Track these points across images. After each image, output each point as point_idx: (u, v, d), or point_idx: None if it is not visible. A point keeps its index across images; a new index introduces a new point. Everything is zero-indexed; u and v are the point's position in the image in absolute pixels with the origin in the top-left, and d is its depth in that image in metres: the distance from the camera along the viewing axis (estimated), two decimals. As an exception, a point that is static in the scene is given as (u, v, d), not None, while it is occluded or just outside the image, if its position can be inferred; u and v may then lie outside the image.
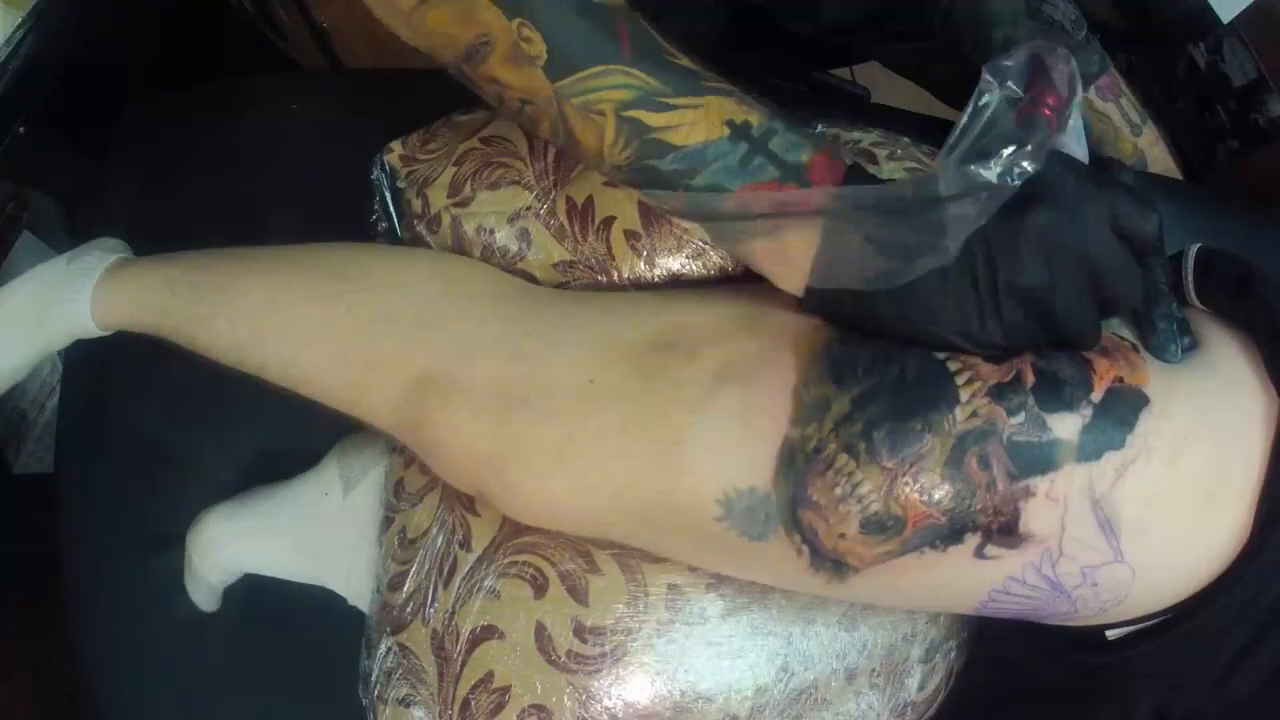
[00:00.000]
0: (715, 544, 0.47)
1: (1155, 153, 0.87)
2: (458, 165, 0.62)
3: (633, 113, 0.44)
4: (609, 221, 0.58)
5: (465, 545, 0.57)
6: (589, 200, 0.58)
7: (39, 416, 1.00)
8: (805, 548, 0.45)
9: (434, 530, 0.59)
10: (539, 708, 0.53)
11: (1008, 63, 0.42)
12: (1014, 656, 0.56)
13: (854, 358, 0.45)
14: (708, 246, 0.58)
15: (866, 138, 0.65)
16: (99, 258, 0.69)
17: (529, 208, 0.59)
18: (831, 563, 0.45)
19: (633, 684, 0.53)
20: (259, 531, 0.68)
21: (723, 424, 0.46)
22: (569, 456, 0.48)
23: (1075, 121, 0.45)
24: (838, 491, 0.43)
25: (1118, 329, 0.47)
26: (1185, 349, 0.45)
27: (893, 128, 0.67)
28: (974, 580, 0.44)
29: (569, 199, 0.59)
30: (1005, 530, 0.42)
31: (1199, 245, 0.50)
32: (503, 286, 0.58)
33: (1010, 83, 0.42)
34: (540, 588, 0.54)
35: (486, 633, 0.54)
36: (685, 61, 0.46)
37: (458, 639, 0.55)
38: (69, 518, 0.78)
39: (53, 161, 0.91)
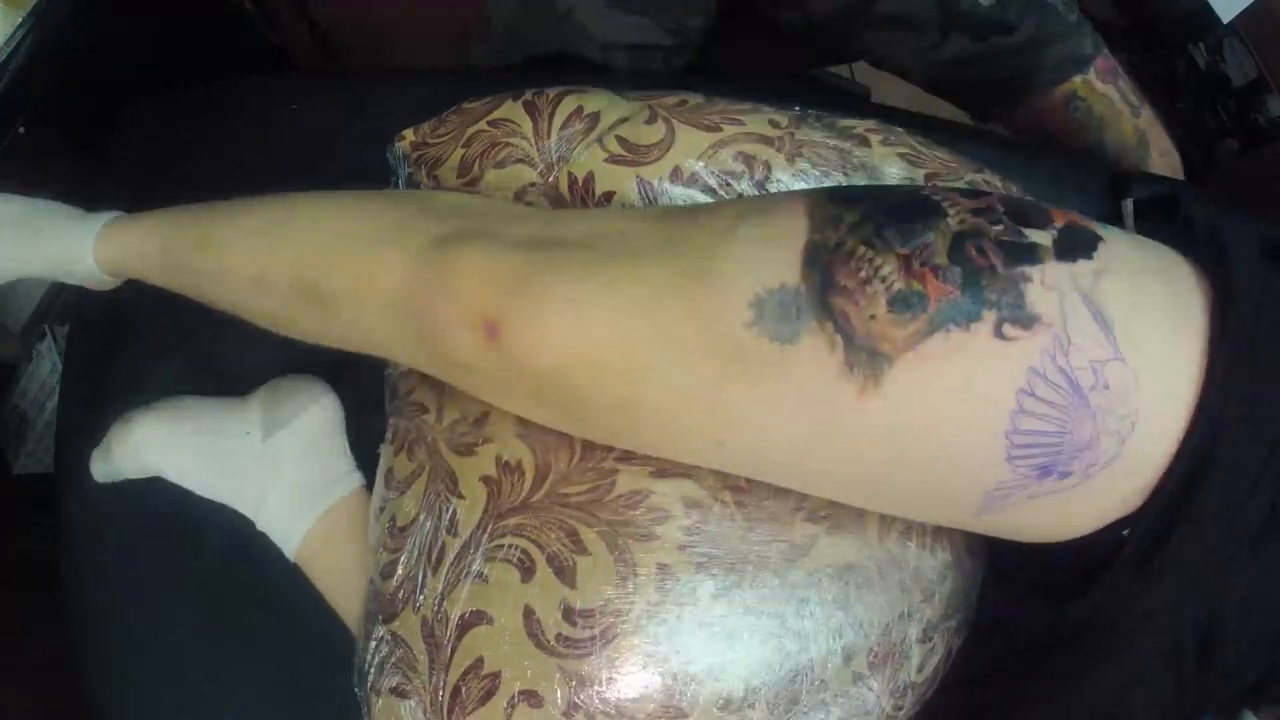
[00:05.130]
0: (744, 359, 0.47)
1: (1155, 132, 0.87)
2: (466, 147, 0.64)
3: None
4: (608, 195, 0.60)
5: (452, 530, 0.57)
6: (590, 175, 0.61)
7: (39, 416, 1.00)
8: (838, 338, 0.46)
9: (422, 517, 0.59)
10: (530, 694, 0.53)
11: None
12: (1012, 613, 0.58)
13: (853, 191, 0.51)
14: None
15: (861, 124, 0.66)
16: (100, 216, 0.72)
17: (533, 184, 0.61)
18: (866, 354, 0.46)
19: (624, 667, 0.53)
20: (181, 447, 0.71)
21: (747, 243, 0.49)
22: (601, 271, 0.50)
23: None
24: (863, 274, 0.46)
25: None
26: None
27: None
28: (1000, 375, 0.46)
29: (570, 175, 0.61)
30: (1015, 307, 0.45)
31: (1131, 199, 0.59)
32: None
33: None
34: (528, 570, 0.54)
35: (475, 618, 0.54)
36: None
37: (447, 625, 0.55)
38: (69, 518, 0.78)
39: (53, 161, 0.91)
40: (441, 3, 0.93)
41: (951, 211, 0.48)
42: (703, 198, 0.59)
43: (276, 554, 0.72)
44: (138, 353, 0.76)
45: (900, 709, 0.58)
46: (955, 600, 0.60)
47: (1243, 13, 0.80)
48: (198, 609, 0.73)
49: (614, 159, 0.60)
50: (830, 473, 0.51)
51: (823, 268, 0.47)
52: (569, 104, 0.62)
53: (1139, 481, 0.47)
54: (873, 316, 0.46)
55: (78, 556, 0.77)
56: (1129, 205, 0.68)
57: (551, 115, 0.62)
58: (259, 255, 0.61)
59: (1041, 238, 0.47)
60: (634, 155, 0.59)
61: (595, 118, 0.61)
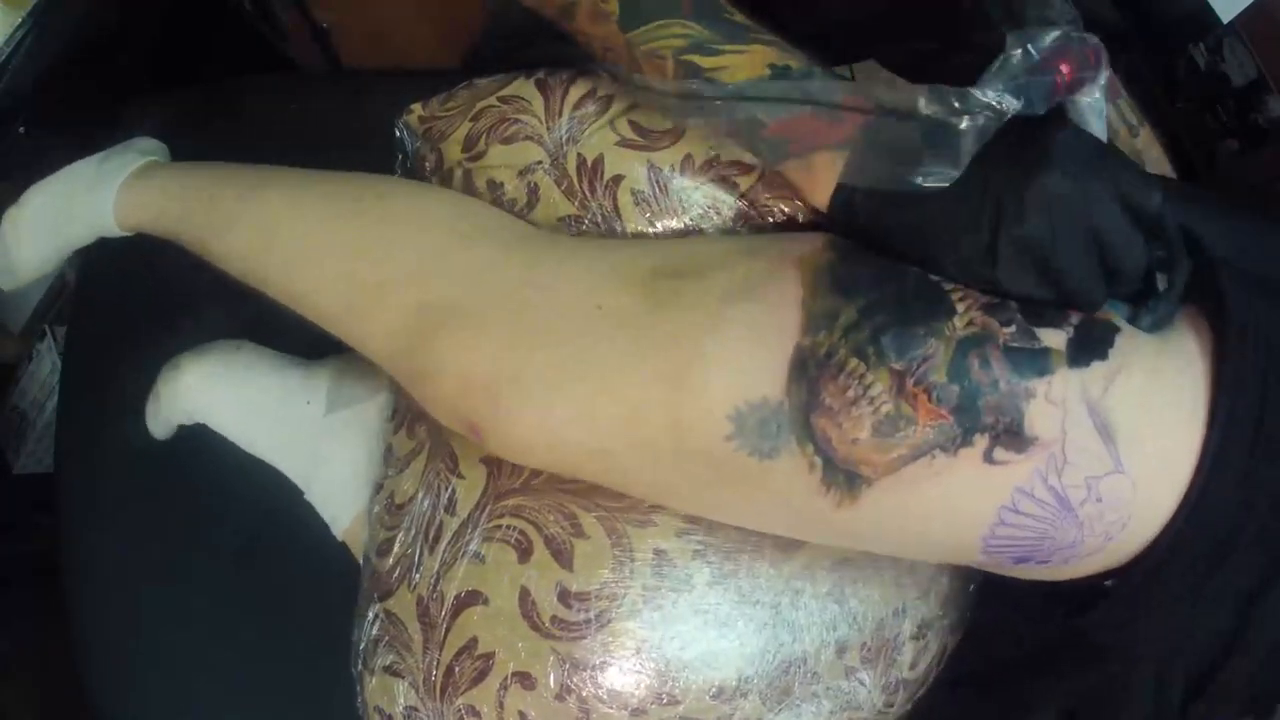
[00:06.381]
0: (723, 470, 0.47)
1: (1153, 154, 0.87)
2: (474, 121, 0.63)
3: (688, 56, 0.52)
4: (617, 179, 0.59)
5: (450, 509, 0.57)
6: (599, 158, 0.59)
7: (39, 416, 1.00)
8: (818, 459, 0.45)
9: (420, 495, 0.59)
10: (523, 675, 0.52)
11: (1034, 34, 0.46)
12: (1005, 624, 0.58)
13: (857, 274, 0.48)
14: (712, 210, 0.58)
15: None
16: (130, 159, 0.72)
17: (540, 162, 0.60)
18: (844, 475, 0.45)
19: (617, 652, 0.52)
20: (231, 401, 0.71)
21: (732, 340, 0.47)
22: (574, 379, 0.48)
23: (1096, 102, 0.48)
24: (850, 394, 0.44)
25: None
26: (1157, 325, 0.48)
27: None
28: (984, 494, 0.44)
29: (580, 156, 0.60)
30: (1011, 431, 0.43)
31: None
32: (513, 226, 0.59)
33: (1030, 46, 0.46)
34: (525, 551, 0.54)
35: (471, 598, 0.54)
36: (739, 18, 0.53)
37: (442, 605, 0.55)
38: (69, 517, 0.78)
39: (53, 161, 0.91)
40: (441, 2, 0.93)
41: (961, 308, 0.45)
42: (712, 189, 0.58)
43: (278, 553, 0.72)
44: (138, 353, 0.76)
45: (891, 705, 0.58)
46: (951, 598, 0.59)
47: (1243, 13, 0.79)
48: (198, 608, 0.73)
49: (625, 143, 0.59)
50: (813, 540, 0.53)
51: (809, 383, 0.45)
52: (582, 85, 0.61)
53: (1132, 548, 0.46)
54: (855, 440, 0.44)
55: (78, 556, 0.77)
56: None
57: (564, 95, 0.61)
58: (253, 277, 0.61)
59: (1055, 339, 0.44)
60: (645, 140, 0.59)
61: (608, 100, 0.60)
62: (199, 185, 0.67)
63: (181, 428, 0.74)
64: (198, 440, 0.74)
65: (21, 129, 0.77)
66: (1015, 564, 0.48)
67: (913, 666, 0.58)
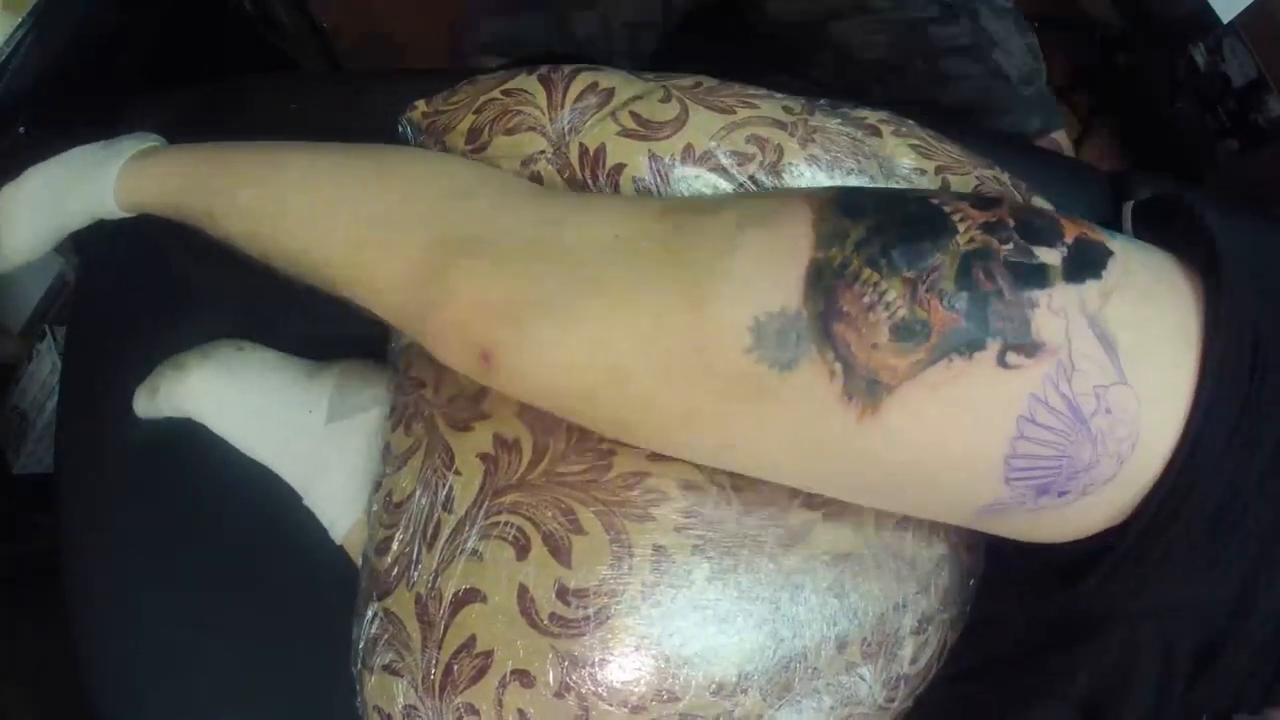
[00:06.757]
0: (742, 385, 0.47)
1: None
2: (477, 114, 0.63)
3: None
4: (619, 168, 0.59)
5: (448, 506, 0.56)
6: (601, 147, 0.60)
7: (39, 416, 1.00)
8: (838, 366, 0.45)
9: (418, 492, 0.58)
10: (522, 673, 0.52)
11: None
12: (1005, 617, 0.58)
13: (862, 198, 0.49)
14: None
15: (873, 114, 0.66)
16: (133, 142, 0.73)
17: (542, 152, 0.61)
18: (865, 382, 0.45)
19: (617, 648, 0.52)
20: (233, 406, 0.71)
21: (749, 257, 0.47)
22: (595, 299, 0.48)
23: None
24: (866, 300, 0.45)
25: None
26: None
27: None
28: (1001, 400, 0.45)
29: (582, 145, 0.61)
30: (1020, 336, 0.45)
31: (1131, 202, 0.58)
32: (522, 180, 0.60)
33: None
34: (523, 549, 0.54)
35: (469, 595, 0.54)
36: None
37: (441, 603, 0.55)
38: (69, 517, 0.78)
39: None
40: (441, 2, 0.93)
41: (961, 228, 0.47)
42: (713, 178, 0.59)
43: (278, 553, 0.72)
44: (138, 352, 0.76)
45: (892, 700, 0.58)
46: (951, 593, 0.60)
47: (1243, 13, 0.80)
48: (198, 608, 0.73)
49: (626, 133, 0.60)
50: (830, 480, 0.51)
51: (826, 291, 0.46)
52: (584, 79, 0.62)
53: (1135, 491, 0.47)
54: (874, 345, 0.45)
55: (78, 556, 0.77)
56: (1128, 209, 0.68)
57: (566, 88, 0.62)
58: (259, 239, 0.61)
59: (1051, 256, 0.46)
60: (647, 130, 0.59)
61: (610, 93, 0.61)
62: (208, 153, 0.68)
63: (181, 428, 0.74)
64: (198, 441, 0.74)
65: (21, 129, 0.77)
66: (1038, 497, 0.48)
67: (913, 661, 0.58)
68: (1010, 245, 0.46)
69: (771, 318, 0.46)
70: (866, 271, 0.46)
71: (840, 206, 0.48)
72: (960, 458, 0.47)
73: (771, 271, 0.47)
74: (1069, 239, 0.47)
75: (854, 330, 0.45)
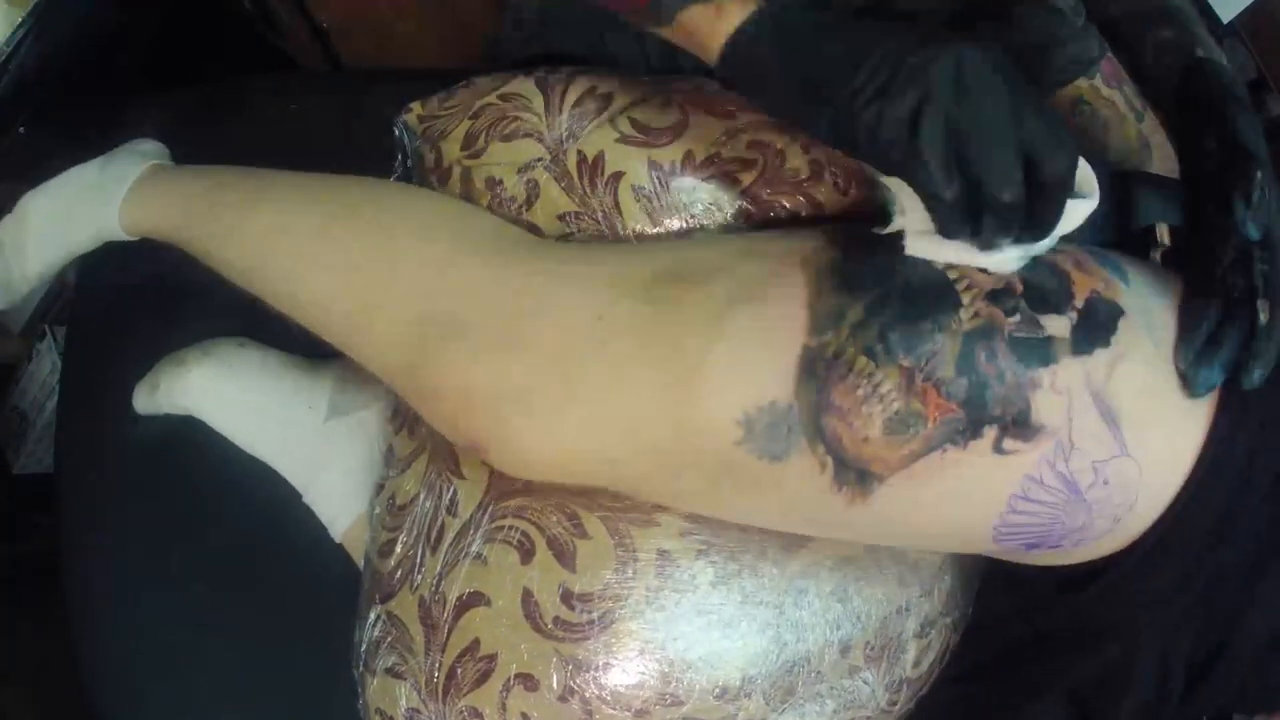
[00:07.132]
0: (733, 473, 0.47)
1: (1157, 138, 0.87)
2: (474, 119, 0.63)
3: None
4: (618, 176, 0.59)
5: (452, 510, 0.56)
6: (600, 155, 0.59)
7: (39, 416, 1.00)
8: (829, 458, 0.45)
9: (422, 495, 0.58)
10: (525, 677, 0.52)
11: None
12: (1007, 619, 0.58)
13: (861, 270, 0.47)
14: (713, 207, 0.58)
15: None
16: (133, 164, 0.72)
17: (539, 159, 0.60)
18: (856, 473, 0.45)
19: (621, 653, 0.52)
20: (233, 403, 0.71)
21: (739, 344, 0.46)
22: (578, 392, 0.48)
23: None
24: (860, 393, 0.44)
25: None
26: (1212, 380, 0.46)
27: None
28: (995, 483, 0.45)
29: (580, 153, 0.60)
30: (1019, 421, 0.44)
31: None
32: (510, 233, 0.58)
33: None
34: (527, 553, 0.54)
35: (473, 599, 0.54)
36: None
37: (445, 606, 0.55)
38: (69, 517, 0.77)
39: (53, 162, 0.91)
40: (441, 2, 0.93)
41: (966, 299, 0.45)
42: (712, 187, 0.58)
43: (278, 553, 0.72)
44: (138, 352, 0.76)
45: (895, 704, 0.58)
46: (953, 597, 0.60)
47: (1243, 13, 0.79)
48: (198, 608, 0.73)
49: (625, 139, 0.59)
50: (825, 535, 0.53)
51: (819, 384, 0.45)
52: (582, 83, 0.61)
53: (1134, 533, 0.47)
54: (866, 439, 0.45)
55: (78, 556, 0.77)
56: (1163, 229, 0.58)
57: (564, 93, 0.61)
58: (255, 285, 0.61)
59: (1059, 326, 0.45)
60: (646, 137, 0.59)
61: (608, 98, 0.60)
62: (199, 194, 0.67)
63: (181, 428, 0.74)
64: (198, 440, 0.74)
65: (21, 129, 0.76)
66: (1027, 550, 0.48)
67: (916, 664, 0.58)
68: (1016, 318, 0.45)
69: (761, 411, 0.45)
70: (861, 361, 0.45)
71: (838, 279, 0.47)
72: (950, 532, 0.48)
73: (762, 361, 0.46)
74: (1079, 301, 0.46)
75: (846, 425, 0.45)
